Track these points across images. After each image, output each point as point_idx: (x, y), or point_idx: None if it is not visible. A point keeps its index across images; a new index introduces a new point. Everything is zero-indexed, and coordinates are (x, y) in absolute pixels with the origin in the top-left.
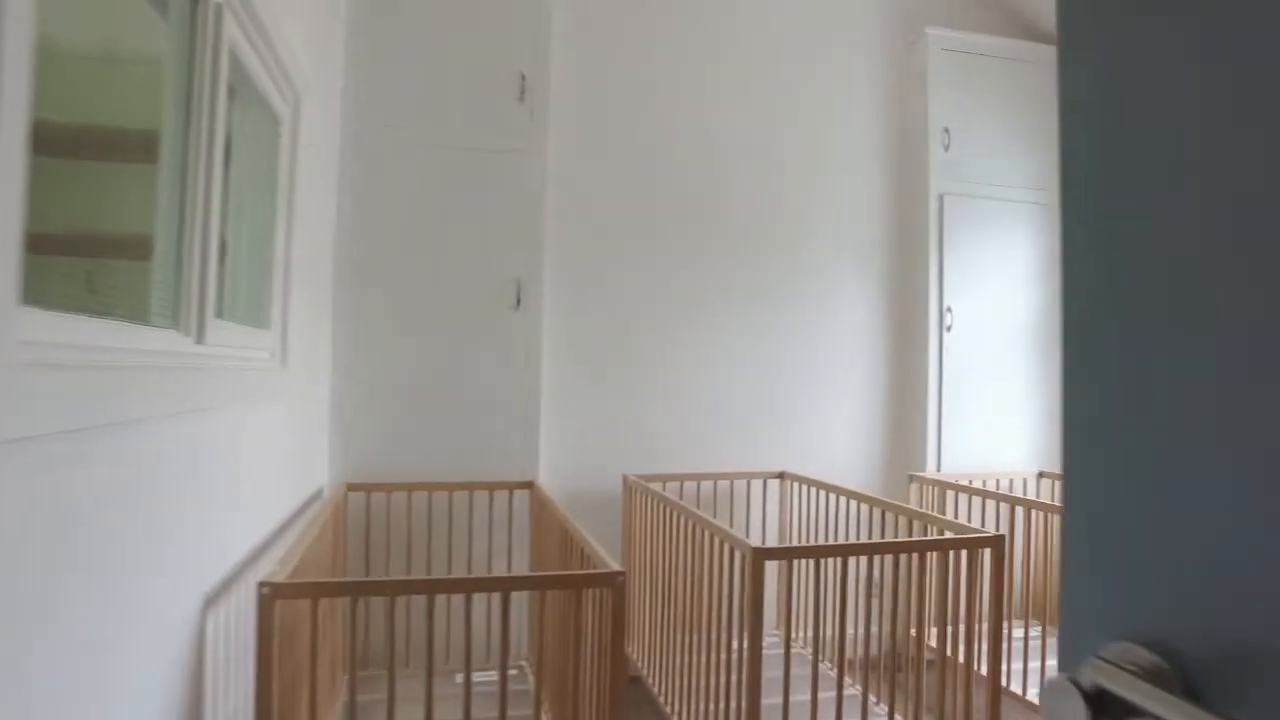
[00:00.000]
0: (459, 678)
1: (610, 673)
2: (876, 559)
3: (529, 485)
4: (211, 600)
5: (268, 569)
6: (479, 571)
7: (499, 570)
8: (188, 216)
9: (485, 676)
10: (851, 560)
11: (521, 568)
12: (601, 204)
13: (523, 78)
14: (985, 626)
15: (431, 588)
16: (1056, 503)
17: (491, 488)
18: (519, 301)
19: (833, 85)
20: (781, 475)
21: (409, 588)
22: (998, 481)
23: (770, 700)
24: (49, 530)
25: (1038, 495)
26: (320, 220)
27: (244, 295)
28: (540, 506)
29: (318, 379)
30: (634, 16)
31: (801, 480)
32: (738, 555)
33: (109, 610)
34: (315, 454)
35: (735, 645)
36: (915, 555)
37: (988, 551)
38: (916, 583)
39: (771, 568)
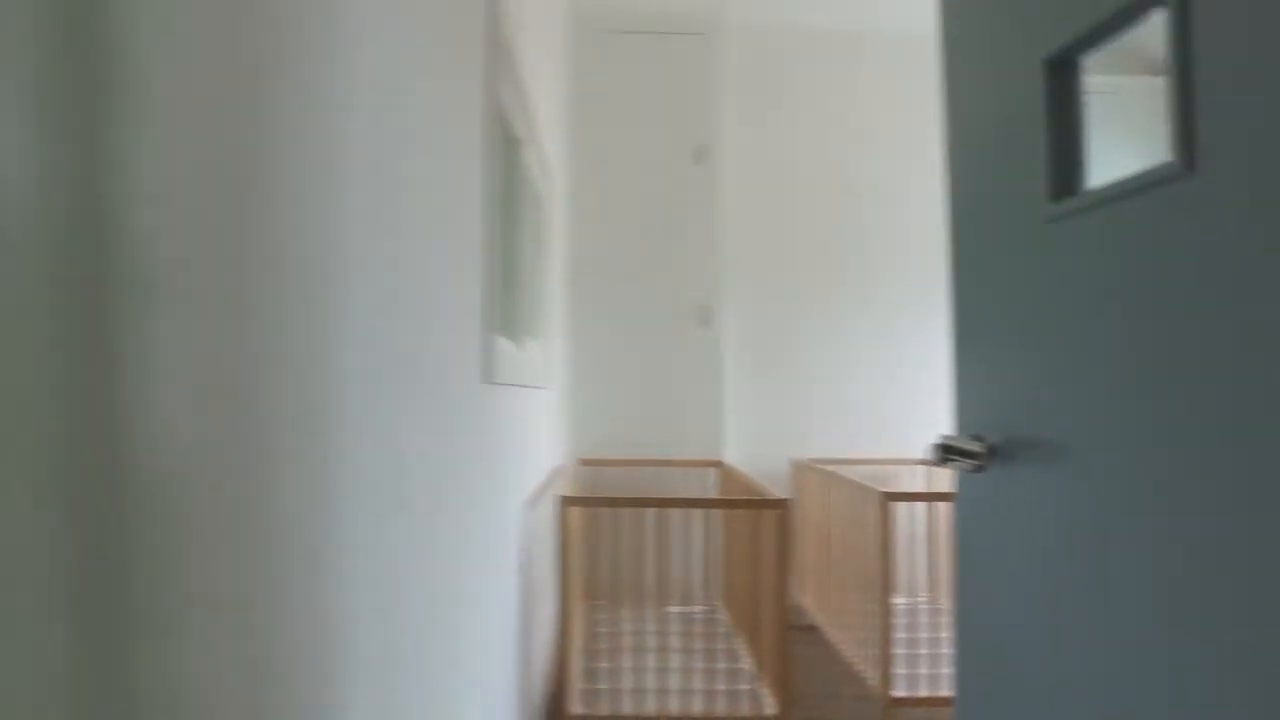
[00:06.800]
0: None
1: (777, 583)
2: None
3: (717, 464)
4: (528, 504)
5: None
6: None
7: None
8: (516, 276)
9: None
10: None
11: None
12: (775, 242)
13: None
14: None
15: (656, 504)
16: None
17: (687, 465)
18: (706, 321)
19: None
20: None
21: (640, 503)
22: None
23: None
24: (499, 425)
25: None
26: (560, 263)
27: (529, 314)
28: (726, 477)
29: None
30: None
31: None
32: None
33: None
34: (558, 435)
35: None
36: None
37: None
38: None
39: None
